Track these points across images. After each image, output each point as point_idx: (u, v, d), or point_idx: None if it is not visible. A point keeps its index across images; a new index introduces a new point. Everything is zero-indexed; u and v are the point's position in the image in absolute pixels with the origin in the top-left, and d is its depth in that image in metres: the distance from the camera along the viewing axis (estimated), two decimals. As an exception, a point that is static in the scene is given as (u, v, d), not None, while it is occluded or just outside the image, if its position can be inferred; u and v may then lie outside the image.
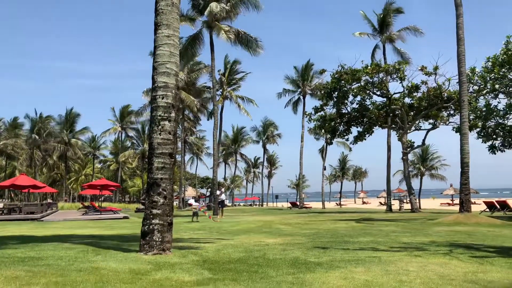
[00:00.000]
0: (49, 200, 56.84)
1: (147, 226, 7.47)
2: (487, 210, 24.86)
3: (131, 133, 65.98)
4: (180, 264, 6.51)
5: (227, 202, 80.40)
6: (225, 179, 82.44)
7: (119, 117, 65.06)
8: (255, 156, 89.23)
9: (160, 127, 7.72)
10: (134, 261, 6.65)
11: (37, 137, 54.06)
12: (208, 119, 53.14)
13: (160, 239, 7.39)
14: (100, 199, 46.53)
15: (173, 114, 7.88)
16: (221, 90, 48.29)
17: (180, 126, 48.74)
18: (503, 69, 21.36)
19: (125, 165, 73.10)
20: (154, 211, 7.49)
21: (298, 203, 48.54)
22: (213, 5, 29.44)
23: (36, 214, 24.51)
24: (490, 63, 21.84)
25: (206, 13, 30.32)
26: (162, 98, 7.81)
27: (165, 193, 7.59)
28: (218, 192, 24.84)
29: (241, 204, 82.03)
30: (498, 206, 24.24)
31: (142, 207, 37.04)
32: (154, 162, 7.65)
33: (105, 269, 6.00)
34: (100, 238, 10.84)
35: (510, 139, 23.87)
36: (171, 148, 7.78)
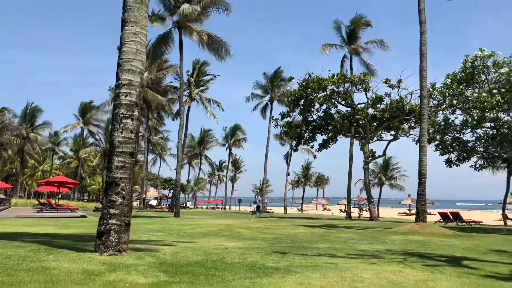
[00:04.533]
0: (2, 196, 54.32)
1: (103, 226, 7.28)
2: (441, 220, 25.81)
3: (94, 130, 64.26)
4: (136, 265, 6.37)
5: (189, 205, 79.62)
6: (188, 181, 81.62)
7: (81, 113, 63.25)
8: (221, 160, 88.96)
9: (122, 125, 7.55)
10: (88, 262, 6.45)
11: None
12: (173, 120, 52.60)
13: (116, 240, 7.22)
14: (57, 197, 44.89)
15: (136, 113, 7.73)
16: (188, 91, 47.88)
17: (144, 125, 47.92)
18: (461, 86, 22.32)
19: (86, 163, 71.02)
20: (112, 211, 7.31)
21: (260, 207, 48.68)
22: (185, 6, 29.31)
23: (-13, 210, 23.37)
24: (449, 80, 22.76)
25: (178, 12, 30.12)
26: (126, 96, 7.65)
27: (124, 192, 7.43)
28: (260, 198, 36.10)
29: (204, 206, 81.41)
30: (451, 217, 25.24)
31: (100, 206, 36.01)
32: (114, 161, 7.48)
33: (57, 269, 5.80)
34: (54, 237, 10.46)
35: (464, 154, 24.91)
36: (132, 147, 7.63)
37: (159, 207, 66.53)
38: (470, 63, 21.40)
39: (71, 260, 6.53)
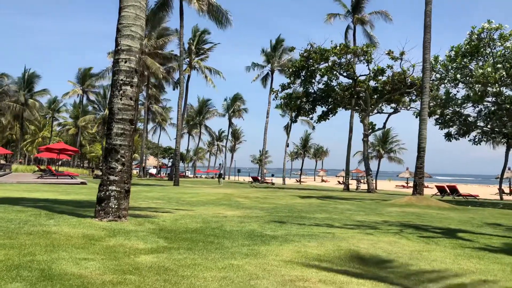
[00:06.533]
0: (2, 162, 54.67)
1: (103, 192, 7.33)
2: (438, 193, 26.05)
3: (93, 97, 63.86)
4: (136, 231, 6.45)
5: (189, 174, 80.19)
6: (188, 150, 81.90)
7: (81, 80, 62.67)
8: (220, 129, 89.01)
9: (121, 92, 7.48)
10: (88, 227, 6.53)
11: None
12: (173, 89, 52.37)
13: (116, 206, 7.29)
14: (57, 163, 45.13)
15: (135, 79, 7.65)
16: (188, 59, 47.34)
17: (144, 93, 47.60)
18: (465, 60, 22.01)
19: (85, 130, 70.98)
20: (111, 177, 7.34)
21: (259, 178, 49.06)
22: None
23: (-13, 175, 23.53)
24: (453, 53, 22.43)
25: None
26: (125, 62, 7.55)
27: (123, 159, 7.44)
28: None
29: (203, 176, 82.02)
30: (448, 190, 25.47)
31: (100, 173, 36.31)
32: (113, 128, 7.45)
33: (57, 233, 5.87)
34: (54, 203, 10.56)
35: (464, 128, 24.87)
36: (132, 115, 7.59)
37: (159, 175, 67.03)
38: (476, 35, 21.03)
39: (71, 225, 6.60)
